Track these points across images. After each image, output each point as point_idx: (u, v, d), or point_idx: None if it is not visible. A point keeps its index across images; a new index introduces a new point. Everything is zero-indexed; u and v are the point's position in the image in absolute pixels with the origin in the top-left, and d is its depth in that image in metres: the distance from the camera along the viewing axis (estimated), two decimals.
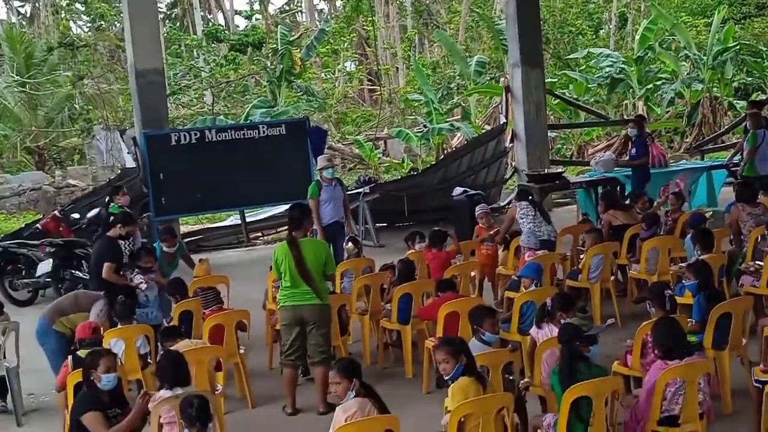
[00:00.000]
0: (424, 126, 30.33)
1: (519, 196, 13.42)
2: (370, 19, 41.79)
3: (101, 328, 9.02)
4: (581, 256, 12.20)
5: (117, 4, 36.39)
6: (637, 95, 29.63)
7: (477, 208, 13.66)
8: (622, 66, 29.84)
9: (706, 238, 10.85)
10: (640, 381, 7.73)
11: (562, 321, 7.86)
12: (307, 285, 9.05)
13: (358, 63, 46.12)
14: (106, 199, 17.31)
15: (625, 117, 30.06)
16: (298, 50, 32.40)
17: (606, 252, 11.65)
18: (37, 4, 58.84)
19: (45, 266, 15.26)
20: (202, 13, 51.44)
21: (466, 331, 8.68)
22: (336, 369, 6.59)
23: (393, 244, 17.59)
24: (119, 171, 23.13)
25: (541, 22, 23.14)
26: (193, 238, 19.44)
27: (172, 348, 8.07)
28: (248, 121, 25.57)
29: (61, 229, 16.47)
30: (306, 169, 18.20)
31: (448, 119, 30.74)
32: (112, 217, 12.24)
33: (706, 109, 28.63)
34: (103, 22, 40.27)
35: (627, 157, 18.26)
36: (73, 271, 15.23)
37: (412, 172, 26.26)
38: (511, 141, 20.90)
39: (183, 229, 19.45)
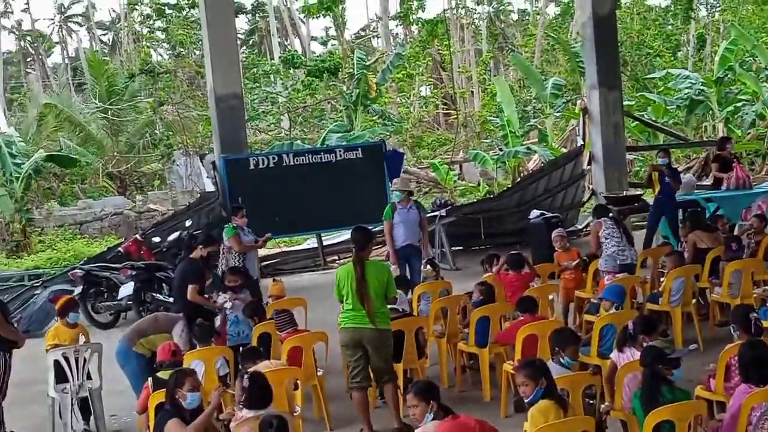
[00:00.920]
0: (500, 149, 30.24)
1: (597, 212, 13.29)
2: (446, 43, 41.89)
3: (181, 350, 9.11)
4: (662, 279, 12.02)
5: (196, 32, 37.00)
6: (717, 117, 29.17)
7: (553, 233, 13.52)
8: (701, 87, 29.40)
9: None
10: (723, 406, 7.57)
11: (644, 344, 7.75)
12: (361, 306, 8.97)
13: (433, 87, 46.23)
14: (188, 223, 17.68)
15: (705, 139, 29.69)
16: (374, 75, 32.58)
17: (687, 275, 11.46)
18: (118, 33, 60.22)
19: (127, 289, 15.50)
20: (279, 40, 52.17)
21: (545, 354, 8.61)
22: (413, 392, 6.53)
23: (469, 267, 17.53)
24: (199, 195, 23.45)
25: (619, 44, 22.92)
26: (270, 262, 19.62)
27: (252, 369, 8.12)
28: (325, 146, 25.74)
29: (142, 252, 16.77)
30: (382, 192, 18.27)
31: (524, 142, 30.62)
32: (194, 239, 12.35)
33: None
34: (182, 49, 41.02)
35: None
36: (155, 294, 15.46)
37: (488, 195, 26.19)
38: (589, 163, 20.72)
39: (260, 252, 19.62)
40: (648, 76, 33.82)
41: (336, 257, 20.31)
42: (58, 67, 68.81)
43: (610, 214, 13.00)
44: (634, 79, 34.85)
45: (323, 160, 18.79)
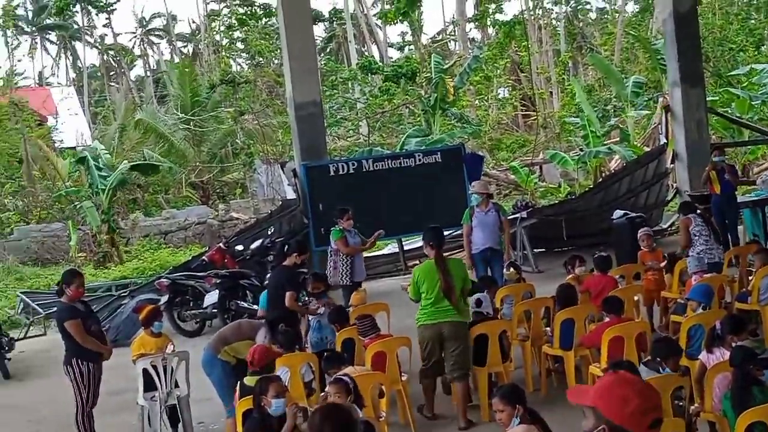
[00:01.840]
0: (581, 150, 29.95)
1: (684, 209, 13.11)
2: (524, 44, 41.70)
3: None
4: (750, 278, 11.79)
5: (275, 41, 37.37)
6: None
7: (639, 231, 13.36)
8: None
9: None
10: None
11: (734, 344, 7.60)
12: (449, 301, 9.42)
13: (511, 89, 46.01)
14: (270, 230, 17.82)
15: None
16: (452, 78, 32.52)
17: None
18: (198, 44, 61.14)
19: (212, 297, 15.67)
20: (356, 46, 52.45)
21: (631, 355, 8.52)
22: (499, 395, 6.47)
23: (552, 269, 17.38)
24: (280, 203, 23.64)
25: (700, 40, 22.55)
26: None
27: (340, 373, 8.15)
28: (404, 150, 25.77)
29: (226, 260, 16.96)
30: (463, 195, 18.21)
31: (605, 142, 30.28)
32: (286, 247, 12.40)
33: None
34: (261, 59, 41.46)
35: None
36: (239, 302, 15.61)
37: (569, 196, 25.94)
38: (672, 161, 20.41)
39: None
40: (731, 73, 33.17)
41: (417, 261, 20.26)
42: (140, 79, 70.14)
43: (698, 211, 12.80)
44: (716, 75, 34.23)
45: (402, 165, 18.82)
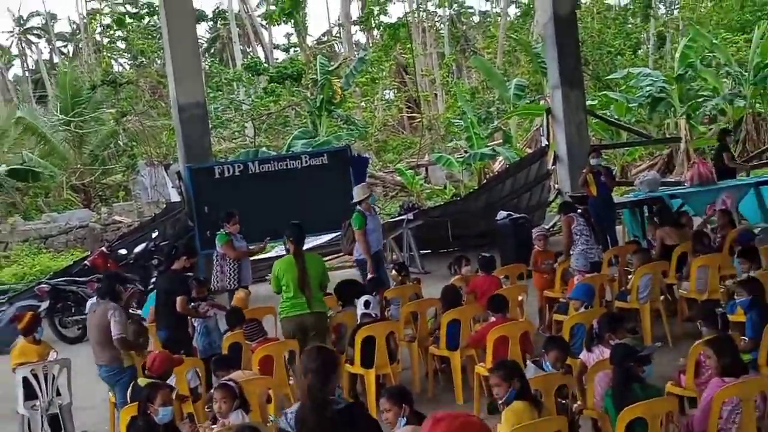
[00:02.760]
0: (465, 151, 30.31)
1: (565, 208, 13.32)
2: (408, 46, 41.98)
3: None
4: (629, 277, 12.09)
5: (158, 41, 36.82)
6: (679, 113, 29.39)
7: (534, 232, 13.51)
8: (663, 85, 29.59)
9: (753, 255, 10.72)
10: (694, 401, 7.63)
11: (611, 342, 7.79)
12: (302, 294, 9.96)
13: (397, 91, 46.30)
14: (154, 234, 17.56)
15: (667, 135, 29.91)
16: (338, 80, 32.55)
17: (655, 272, 11.54)
18: (79, 44, 59.83)
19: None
20: (241, 47, 52.00)
21: (515, 354, 8.66)
22: (386, 396, 6.51)
23: (437, 270, 17.54)
24: (164, 205, 23.30)
25: (580, 44, 23.04)
26: None
27: (227, 378, 8.08)
28: (290, 152, 25.67)
29: (108, 265, 16.60)
30: (349, 197, 18.22)
31: (489, 144, 30.70)
32: (174, 250, 12.20)
33: (749, 126, 28.41)
34: (143, 59, 40.81)
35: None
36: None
37: (454, 198, 26.23)
38: (554, 163, 20.81)
39: None
40: (609, 76, 34.01)
41: None
42: (18, 79, 68.30)
43: (579, 210, 13.04)
44: (596, 78, 35.05)
45: (289, 167, 18.69)
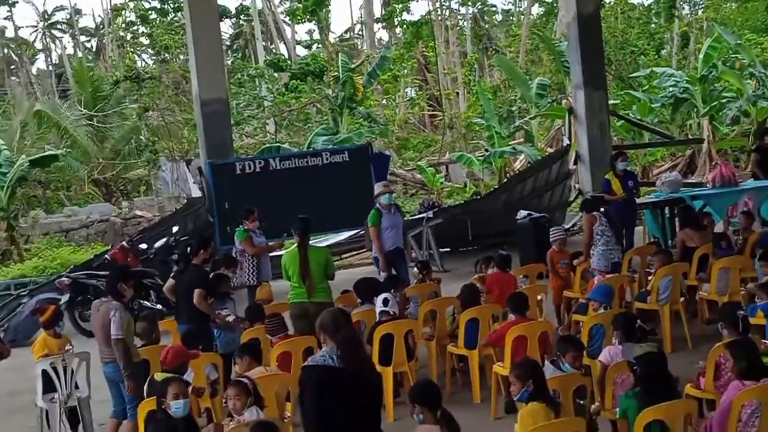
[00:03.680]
0: (486, 150, 30.26)
1: (587, 206, 13.20)
2: (431, 45, 41.94)
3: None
4: (650, 278, 12.03)
5: (181, 37, 36.94)
6: (702, 114, 29.24)
7: (552, 233, 13.36)
8: (686, 85, 29.45)
9: None
10: (713, 404, 7.58)
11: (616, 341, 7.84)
12: (303, 283, 10.71)
13: (418, 89, 46.27)
14: (174, 229, 17.61)
15: (690, 137, 29.76)
16: (360, 77, 32.56)
17: (675, 273, 11.47)
18: (102, 39, 60.08)
19: None
20: (264, 44, 52.08)
21: (534, 354, 8.63)
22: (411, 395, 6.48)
23: (457, 269, 17.53)
24: (185, 201, 23.36)
25: (603, 43, 22.95)
26: None
27: (243, 375, 8.09)
28: (311, 149, 25.70)
29: (128, 259, 16.65)
30: (369, 195, 18.22)
31: (510, 143, 30.65)
32: (189, 248, 12.19)
33: None
34: (167, 55, 40.94)
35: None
36: (142, 301, 15.38)
37: (475, 197, 26.18)
38: (575, 163, 20.74)
39: None
40: (632, 75, 33.87)
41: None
42: (42, 74, 68.66)
43: (602, 209, 12.94)
44: (618, 78, 34.92)
45: (310, 164, 18.74)
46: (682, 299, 11.64)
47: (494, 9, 62.00)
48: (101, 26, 63.66)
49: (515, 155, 29.16)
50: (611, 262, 11.70)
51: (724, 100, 29.88)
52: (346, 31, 65.20)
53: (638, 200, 17.78)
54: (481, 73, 50.95)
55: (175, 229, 17.85)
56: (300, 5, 37.83)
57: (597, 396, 8.03)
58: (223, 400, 8.12)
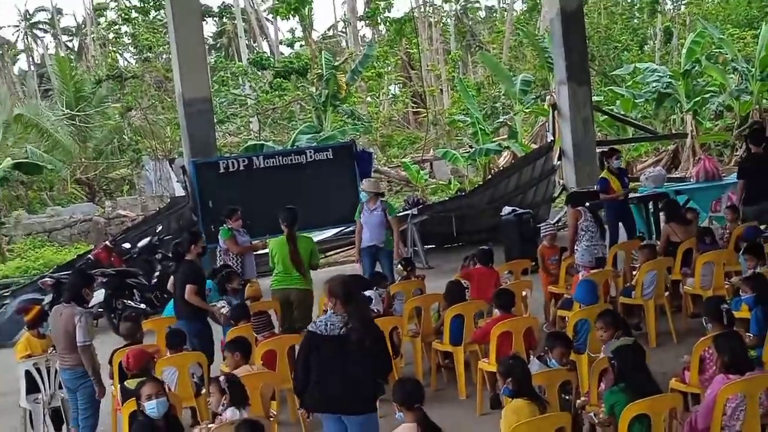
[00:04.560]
0: (471, 147, 30.26)
1: (573, 199, 13.20)
2: (414, 42, 41.91)
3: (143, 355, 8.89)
4: (634, 273, 12.04)
5: (164, 35, 36.81)
6: (685, 109, 29.31)
7: (542, 228, 13.38)
8: (669, 80, 29.52)
9: (759, 252, 10.67)
10: (698, 398, 7.59)
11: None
12: (298, 271, 11.21)
13: (402, 86, 46.24)
14: (158, 228, 17.54)
15: (673, 131, 29.83)
16: (343, 75, 32.50)
17: (659, 268, 11.48)
18: (85, 39, 59.83)
19: (97, 296, 15.29)
20: (247, 42, 51.92)
21: (519, 349, 8.63)
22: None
23: (442, 265, 17.53)
24: (169, 200, 23.28)
25: (586, 39, 22.96)
26: None
27: (230, 373, 8.05)
28: (295, 147, 25.65)
29: (112, 259, 16.60)
30: (354, 192, 18.20)
31: (494, 139, 30.66)
32: (178, 247, 12.18)
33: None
34: (150, 54, 40.77)
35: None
36: (125, 301, 15.33)
37: (459, 193, 26.18)
38: (559, 159, 20.75)
39: None
40: (615, 72, 33.92)
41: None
42: (24, 74, 68.35)
43: (587, 204, 12.94)
44: (602, 73, 34.98)
45: (294, 162, 18.67)
46: (666, 294, 11.66)
47: (477, 6, 62.08)
48: (83, 26, 63.44)
49: (500, 152, 29.16)
50: (595, 257, 11.69)
51: (707, 95, 29.98)
52: (329, 29, 65.17)
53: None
54: (465, 70, 50.97)
55: (158, 228, 17.79)
56: (283, 3, 37.66)
57: (583, 391, 8.03)
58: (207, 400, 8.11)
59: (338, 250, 20.53)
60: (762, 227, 13.04)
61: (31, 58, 72.40)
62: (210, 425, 7.44)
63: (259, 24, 54.00)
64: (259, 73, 38.10)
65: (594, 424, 7.33)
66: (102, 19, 50.70)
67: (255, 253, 14.20)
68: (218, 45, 60.80)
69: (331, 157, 18.86)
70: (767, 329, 8.18)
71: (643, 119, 30.19)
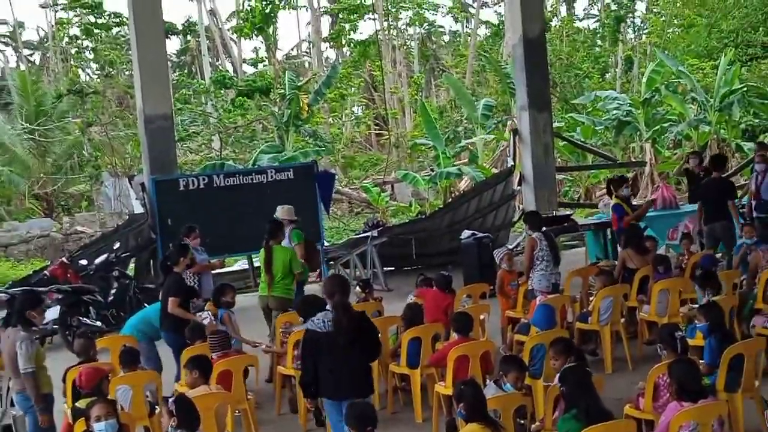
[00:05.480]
0: (432, 170, 30.36)
1: (530, 219, 13.24)
2: (377, 64, 42.03)
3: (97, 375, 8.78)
4: (591, 299, 12.11)
5: (126, 52, 36.66)
6: (645, 137, 29.62)
7: (497, 252, 13.46)
8: (629, 108, 29.86)
9: (711, 280, 10.77)
10: (652, 424, 7.63)
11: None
12: (273, 280, 12.10)
13: (365, 107, 46.33)
14: (116, 245, 17.39)
15: (633, 159, 30.12)
16: (306, 95, 32.52)
17: (616, 294, 11.56)
18: (46, 53, 59.37)
19: (52, 313, 15.13)
20: (210, 60, 51.80)
21: (476, 374, 8.63)
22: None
23: (401, 287, 17.51)
24: (127, 217, 23.11)
25: (548, 66, 23.14)
26: None
27: (187, 393, 7.97)
28: (256, 166, 25.58)
29: (68, 275, 16.41)
30: (314, 213, 18.20)
31: (455, 163, 30.78)
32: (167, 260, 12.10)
33: (713, 152, 28.63)
34: (111, 69, 40.57)
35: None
36: (81, 318, 15.15)
37: (420, 216, 26.22)
38: (519, 184, 20.84)
39: None
40: (576, 101, 34.21)
41: None
42: None
43: (544, 229, 13.01)
44: (563, 100, 35.26)
45: (254, 181, 18.60)
46: (622, 320, 11.74)
47: (442, 30, 62.36)
48: (45, 40, 62.93)
49: (460, 175, 29.27)
50: (552, 283, 11.75)
51: (666, 124, 30.35)
52: (293, 49, 65.14)
53: (580, 222, 18.03)
54: (428, 93, 51.19)
55: (116, 245, 17.64)
56: (247, 22, 37.66)
57: (538, 415, 8.04)
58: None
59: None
60: (717, 255, 13.20)
61: None
62: None
63: (223, 42, 53.93)
64: (222, 92, 38.03)
65: None
66: (63, 33, 50.38)
67: (213, 272, 14.13)
68: (181, 62, 60.58)
69: (292, 177, 18.82)
70: (720, 357, 8.24)
71: (603, 146, 30.46)
